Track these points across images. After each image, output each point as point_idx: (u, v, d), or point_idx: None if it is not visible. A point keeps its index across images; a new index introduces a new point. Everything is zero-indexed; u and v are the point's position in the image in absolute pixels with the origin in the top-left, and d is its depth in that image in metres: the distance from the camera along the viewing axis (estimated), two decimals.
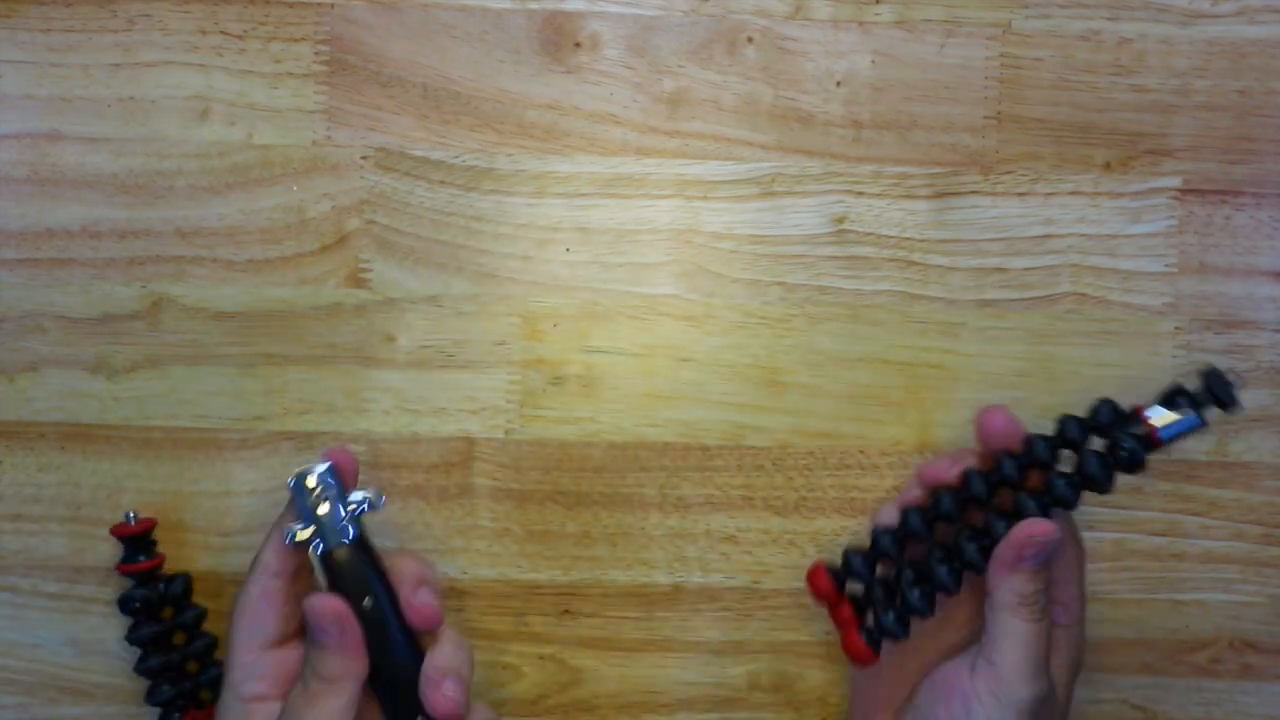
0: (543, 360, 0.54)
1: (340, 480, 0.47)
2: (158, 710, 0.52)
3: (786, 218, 0.54)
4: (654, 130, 0.54)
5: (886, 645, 0.49)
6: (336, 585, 0.46)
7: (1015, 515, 0.47)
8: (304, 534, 0.46)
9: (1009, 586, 0.46)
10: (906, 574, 0.48)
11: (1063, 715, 0.48)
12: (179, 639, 0.53)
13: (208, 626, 0.53)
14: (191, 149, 0.54)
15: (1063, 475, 0.47)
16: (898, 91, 0.54)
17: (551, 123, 0.54)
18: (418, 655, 0.46)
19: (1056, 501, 0.47)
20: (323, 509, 0.46)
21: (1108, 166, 0.54)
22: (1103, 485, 0.47)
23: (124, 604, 0.52)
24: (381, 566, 0.47)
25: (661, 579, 0.55)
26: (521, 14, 0.54)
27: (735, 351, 0.54)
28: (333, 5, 0.54)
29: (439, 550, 0.54)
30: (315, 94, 0.54)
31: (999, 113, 0.54)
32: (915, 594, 0.47)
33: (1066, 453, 0.48)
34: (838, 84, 0.54)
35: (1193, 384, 0.47)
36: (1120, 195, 0.54)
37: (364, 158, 0.54)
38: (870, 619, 0.49)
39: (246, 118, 0.54)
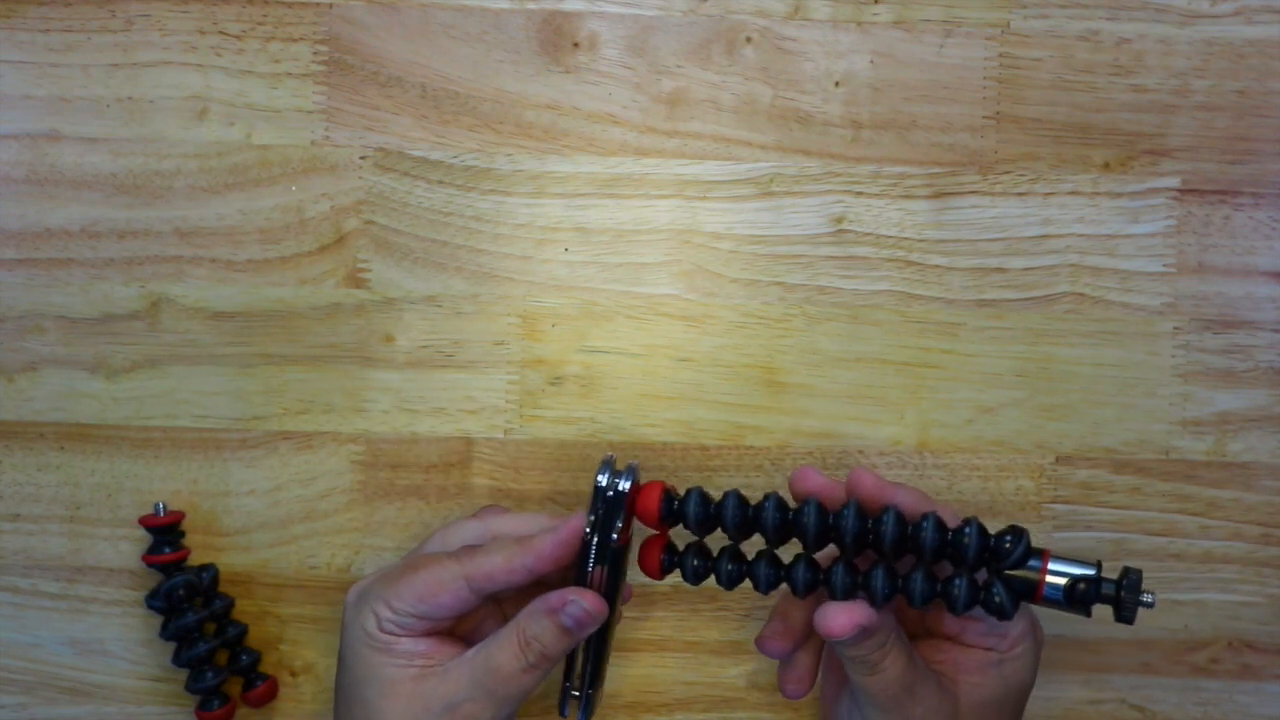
0: (542, 360, 0.54)
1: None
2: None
3: (785, 218, 0.54)
4: (653, 130, 0.54)
5: None
6: (615, 570, 0.46)
7: (860, 582, 0.45)
8: (620, 532, 0.46)
9: (832, 646, 0.45)
10: (731, 555, 0.47)
11: None
12: (209, 628, 0.53)
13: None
14: (190, 149, 0.54)
15: (965, 578, 0.44)
16: (896, 92, 0.54)
17: (550, 123, 0.54)
18: None
19: (934, 595, 0.44)
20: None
21: (1106, 166, 0.54)
22: (1001, 610, 0.44)
23: (169, 592, 0.51)
24: None
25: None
26: (520, 14, 0.54)
27: (734, 351, 0.54)
28: (331, 5, 0.54)
29: None
30: (314, 94, 0.54)
31: (998, 113, 0.54)
32: (725, 570, 0.46)
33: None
34: (836, 84, 0.54)
35: (1099, 569, 0.45)
36: (1119, 195, 0.54)
37: (363, 158, 0.54)
38: (678, 552, 0.47)
39: (245, 118, 0.54)
